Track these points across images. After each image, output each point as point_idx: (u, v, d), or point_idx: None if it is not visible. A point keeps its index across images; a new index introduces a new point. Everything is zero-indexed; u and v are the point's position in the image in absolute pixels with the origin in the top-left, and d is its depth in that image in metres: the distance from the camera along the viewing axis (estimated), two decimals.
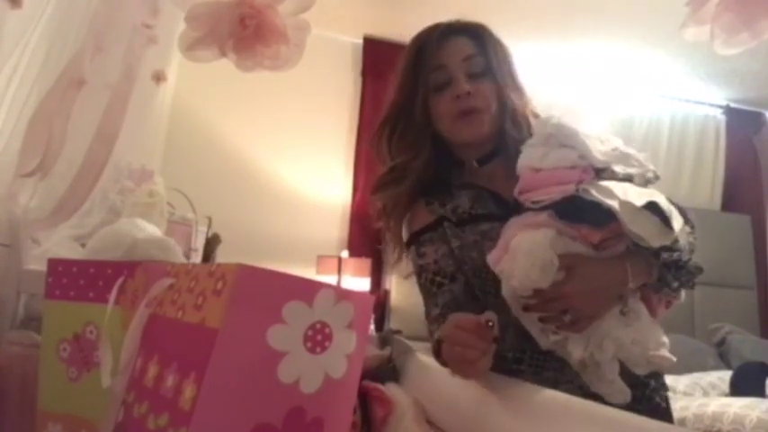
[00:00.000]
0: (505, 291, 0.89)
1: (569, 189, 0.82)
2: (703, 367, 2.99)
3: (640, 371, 0.85)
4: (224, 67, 1.50)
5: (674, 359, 0.85)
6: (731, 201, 4.05)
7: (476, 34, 1.06)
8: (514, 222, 0.89)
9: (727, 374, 2.76)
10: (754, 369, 2.64)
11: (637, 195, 0.79)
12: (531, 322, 0.88)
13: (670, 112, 4.02)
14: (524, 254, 0.83)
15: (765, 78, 3.62)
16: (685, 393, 2.61)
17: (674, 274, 0.86)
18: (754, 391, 2.42)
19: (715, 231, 3.78)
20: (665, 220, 0.80)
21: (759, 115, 4.18)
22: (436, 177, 1.07)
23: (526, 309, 0.86)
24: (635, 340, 0.83)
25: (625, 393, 0.85)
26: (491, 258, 0.89)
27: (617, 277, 0.84)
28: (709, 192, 4.02)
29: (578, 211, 0.83)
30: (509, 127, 1.02)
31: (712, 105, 4.11)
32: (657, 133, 3.93)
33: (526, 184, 0.90)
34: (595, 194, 0.79)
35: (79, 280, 0.77)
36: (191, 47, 1.39)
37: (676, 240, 0.85)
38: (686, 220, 0.95)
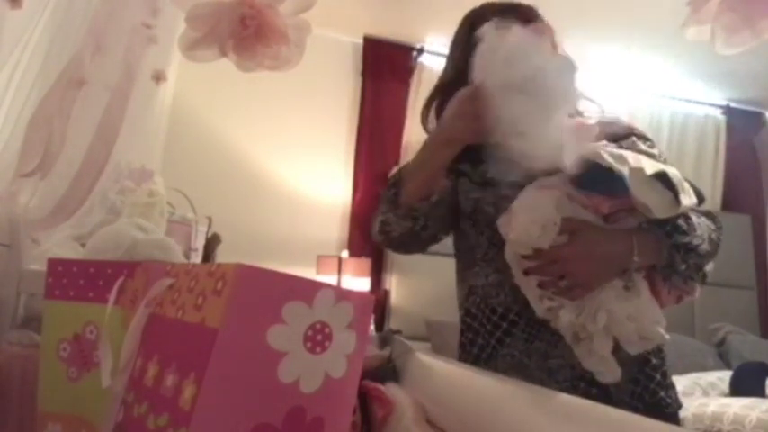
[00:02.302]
0: (508, 254, 0.89)
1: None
2: (703, 367, 2.99)
3: (633, 350, 0.83)
4: (224, 68, 1.50)
5: (668, 337, 0.85)
6: (731, 201, 4.05)
7: (526, 17, 1.09)
8: (528, 186, 0.89)
9: (727, 374, 2.76)
10: (754, 369, 2.64)
11: (650, 165, 0.78)
12: (529, 287, 0.88)
13: (670, 112, 4.02)
14: (526, 210, 0.83)
15: (765, 78, 3.62)
16: (685, 393, 2.60)
17: (683, 257, 0.85)
18: (754, 391, 2.42)
19: None
20: (676, 194, 0.79)
21: (759, 115, 4.19)
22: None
23: (526, 273, 0.86)
24: (630, 316, 0.81)
25: (616, 373, 0.84)
26: (501, 221, 0.89)
27: (621, 249, 0.83)
28: (709, 192, 4.02)
29: (592, 180, 0.82)
30: None
31: (712, 105, 4.11)
32: (657, 133, 3.93)
33: None
34: (608, 159, 0.78)
35: (79, 280, 0.77)
36: (191, 47, 1.39)
37: (693, 228, 0.85)
38: (713, 220, 0.96)
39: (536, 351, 0.93)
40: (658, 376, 0.96)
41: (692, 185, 0.87)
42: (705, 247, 0.87)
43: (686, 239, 0.84)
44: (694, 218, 0.89)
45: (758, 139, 4.15)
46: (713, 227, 0.95)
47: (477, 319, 1.02)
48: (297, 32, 1.42)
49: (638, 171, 0.77)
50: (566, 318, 0.83)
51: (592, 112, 1.12)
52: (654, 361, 0.95)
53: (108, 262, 0.80)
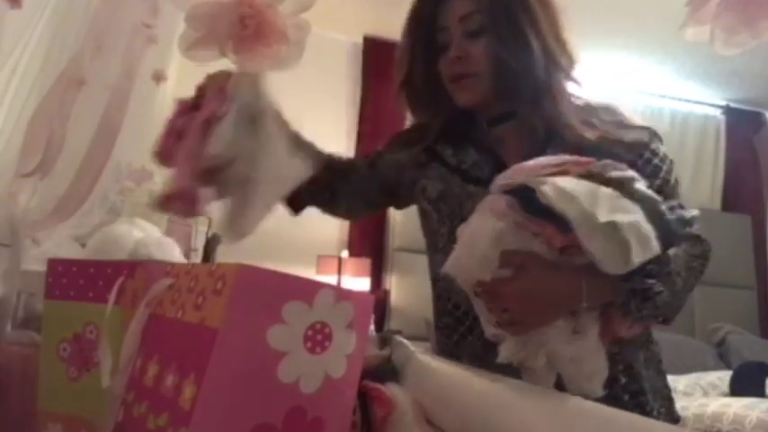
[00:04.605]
0: None
1: (532, 178, 0.72)
2: (703, 367, 2.99)
3: (573, 391, 0.75)
4: (224, 68, 1.50)
5: (600, 394, 0.75)
6: (731, 201, 4.05)
7: None
8: (478, 208, 0.80)
9: (727, 374, 2.76)
10: (754, 369, 2.64)
11: (608, 209, 0.68)
12: (479, 307, 0.81)
13: (670, 112, 4.02)
14: (465, 243, 0.76)
15: (765, 78, 3.63)
16: (685, 393, 2.61)
17: (639, 305, 0.76)
18: (754, 391, 2.42)
19: (715, 231, 3.77)
20: (646, 242, 0.69)
21: (759, 115, 4.19)
22: (456, 130, 1.03)
23: (476, 294, 0.79)
24: (573, 359, 0.75)
25: None
26: (459, 231, 0.82)
27: (568, 291, 0.73)
28: (709, 192, 4.02)
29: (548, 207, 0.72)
30: (502, 89, 0.94)
31: (712, 105, 4.11)
32: None
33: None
34: (551, 196, 0.68)
35: (79, 280, 0.77)
36: (191, 47, 1.39)
37: (665, 265, 0.76)
38: (700, 243, 0.87)
39: (494, 358, 0.85)
40: (636, 387, 0.88)
41: (680, 219, 0.80)
42: (665, 298, 0.77)
43: (646, 285, 0.75)
44: (672, 250, 0.78)
45: (758, 139, 4.15)
46: (696, 253, 0.85)
47: (444, 305, 1.00)
48: (296, 32, 1.42)
49: (587, 216, 0.67)
50: (503, 353, 0.77)
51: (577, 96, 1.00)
52: (623, 380, 0.87)
53: (108, 262, 0.80)
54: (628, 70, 3.69)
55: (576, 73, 0.99)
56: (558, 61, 0.94)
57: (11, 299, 1.16)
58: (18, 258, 1.20)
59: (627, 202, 0.71)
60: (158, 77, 1.53)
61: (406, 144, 1.08)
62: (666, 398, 0.93)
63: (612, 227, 0.67)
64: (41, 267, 0.91)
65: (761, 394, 2.40)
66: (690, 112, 4.08)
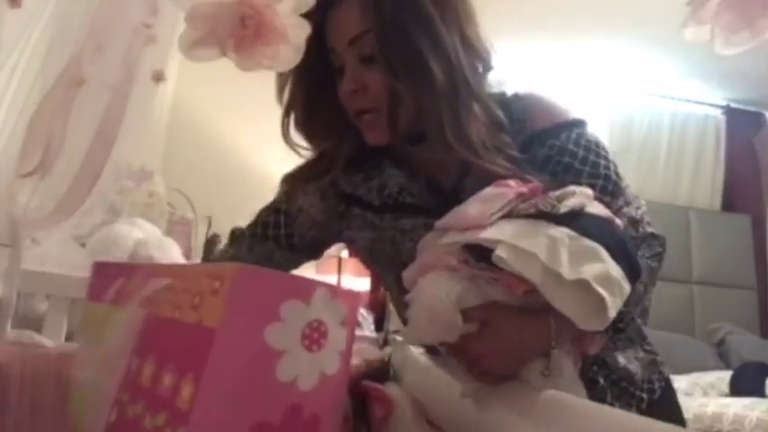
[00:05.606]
0: None
1: (483, 238, 0.67)
2: (703, 367, 2.99)
3: None
4: (224, 67, 1.50)
5: None
6: (731, 201, 4.05)
7: (366, 1, 0.78)
8: (430, 243, 0.75)
9: (727, 374, 2.76)
10: (754, 369, 2.64)
11: (571, 260, 0.63)
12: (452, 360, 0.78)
13: (670, 112, 4.02)
14: (424, 308, 0.71)
15: (765, 78, 3.63)
16: (685, 393, 2.61)
17: (611, 336, 0.73)
18: (754, 392, 2.42)
19: (715, 231, 3.79)
20: (619, 288, 0.64)
21: (759, 115, 4.18)
22: (368, 152, 0.88)
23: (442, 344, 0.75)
24: None
25: None
26: (406, 276, 0.76)
27: (537, 336, 0.69)
28: (709, 192, 4.02)
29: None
30: (405, 124, 0.80)
31: (712, 105, 4.11)
32: (657, 133, 3.93)
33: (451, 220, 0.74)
34: (509, 260, 0.63)
35: (98, 281, 0.78)
36: (191, 46, 1.39)
37: (634, 287, 0.72)
38: (656, 239, 0.82)
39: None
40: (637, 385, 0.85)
41: (630, 221, 0.77)
42: (636, 325, 0.76)
43: (618, 315, 0.70)
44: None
45: (758, 139, 4.15)
46: (653, 253, 0.81)
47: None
48: (296, 32, 1.43)
49: (552, 275, 0.63)
50: (466, 390, 0.74)
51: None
52: (602, 381, 0.83)
53: (109, 263, 0.80)
54: (628, 70, 3.69)
55: (490, 73, 0.85)
56: (465, 76, 0.79)
57: (11, 299, 1.16)
58: (18, 258, 1.20)
59: (586, 244, 0.66)
60: (158, 77, 1.54)
61: (312, 179, 0.94)
62: (652, 363, 0.88)
63: (581, 284, 0.63)
64: (41, 267, 0.91)
65: (761, 394, 2.40)
66: (690, 112, 4.08)
